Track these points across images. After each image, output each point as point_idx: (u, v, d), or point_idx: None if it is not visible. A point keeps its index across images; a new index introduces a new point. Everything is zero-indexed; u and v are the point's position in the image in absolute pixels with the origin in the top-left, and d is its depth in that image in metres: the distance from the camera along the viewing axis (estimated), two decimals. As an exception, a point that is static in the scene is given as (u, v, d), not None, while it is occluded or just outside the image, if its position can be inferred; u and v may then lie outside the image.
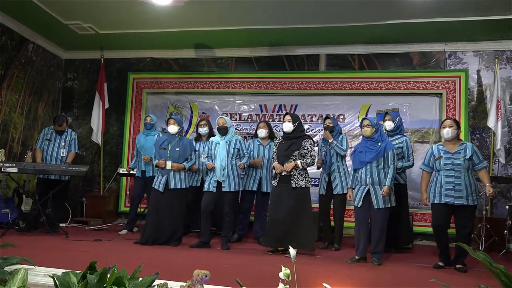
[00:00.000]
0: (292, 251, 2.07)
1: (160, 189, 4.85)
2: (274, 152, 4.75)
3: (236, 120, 6.89)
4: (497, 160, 5.90)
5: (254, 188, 5.36)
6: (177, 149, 4.92)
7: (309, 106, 6.70)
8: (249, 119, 6.84)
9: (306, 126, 6.49)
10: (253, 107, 6.93)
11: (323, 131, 5.34)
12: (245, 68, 7.11)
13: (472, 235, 5.41)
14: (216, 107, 7.06)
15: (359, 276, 3.68)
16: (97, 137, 7.01)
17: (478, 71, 6.27)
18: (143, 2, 5.38)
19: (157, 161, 4.93)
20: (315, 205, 5.31)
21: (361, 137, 4.68)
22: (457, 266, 4.07)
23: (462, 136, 5.90)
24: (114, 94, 7.34)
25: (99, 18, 6.15)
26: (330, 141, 5.10)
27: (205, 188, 4.88)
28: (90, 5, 5.67)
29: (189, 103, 7.17)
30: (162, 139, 5.09)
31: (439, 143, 4.42)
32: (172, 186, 4.86)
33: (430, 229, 4.36)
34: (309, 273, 3.51)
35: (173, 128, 4.98)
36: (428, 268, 4.11)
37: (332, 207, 5.21)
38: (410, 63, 6.52)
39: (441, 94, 6.22)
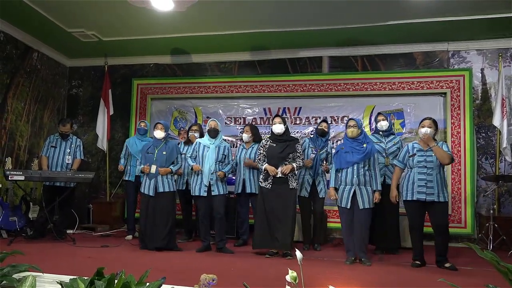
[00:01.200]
0: (299, 254, 2.06)
1: (151, 193, 4.88)
2: (261, 153, 4.73)
3: (240, 123, 6.91)
4: (503, 158, 5.86)
5: (239, 191, 5.41)
6: (164, 153, 4.95)
7: (313, 108, 6.70)
8: (253, 123, 6.85)
9: (310, 129, 6.52)
10: (257, 111, 6.94)
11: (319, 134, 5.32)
12: (248, 71, 7.13)
13: (480, 235, 5.42)
14: (220, 111, 7.08)
15: (364, 277, 3.67)
16: (103, 143, 7.05)
17: (482, 69, 6.24)
18: (146, 9, 5.42)
19: (142, 166, 4.97)
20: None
21: (343, 138, 4.71)
22: (447, 265, 4.08)
23: (467, 135, 5.94)
24: (118, 101, 7.37)
25: (102, 26, 6.20)
26: (326, 170, 5.22)
27: (196, 193, 4.87)
28: (93, 12, 5.71)
29: (194, 108, 7.19)
30: (149, 144, 5.13)
31: (414, 141, 4.44)
32: (160, 189, 4.88)
33: (430, 229, 4.34)
34: (315, 275, 3.51)
35: (159, 133, 5.01)
36: (433, 268, 4.09)
37: (312, 209, 5.26)
38: (413, 63, 6.51)
39: (445, 93, 6.20)
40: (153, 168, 4.90)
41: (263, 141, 4.85)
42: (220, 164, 4.90)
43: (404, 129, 6.31)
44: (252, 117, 6.92)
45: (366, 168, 4.32)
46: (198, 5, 5.32)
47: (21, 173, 5.14)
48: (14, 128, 6.44)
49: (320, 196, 5.17)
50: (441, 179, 4.14)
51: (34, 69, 6.90)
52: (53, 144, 5.70)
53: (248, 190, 5.34)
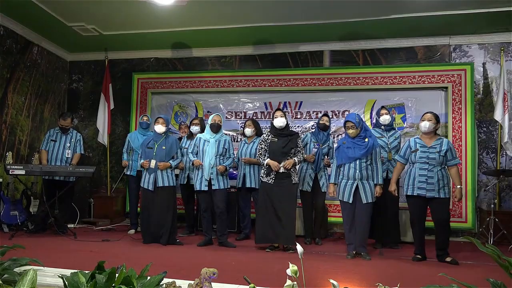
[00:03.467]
0: (300, 248, 2.06)
1: (150, 188, 4.89)
2: (262, 148, 4.71)
3: (241, 118, 6.90)
4: (504, 153, 5.85)
5: (239, 185, 5.42)
6: (164, 148, 4.95)
7: (314, 103, 6.68)
8: (254, 117, 6.83)
9: (311, 123, 6.51)
10: (258, 105, 6.92)
11: (321, 127, 5.31)
12: (249, 66, 7.11)
13: (480, 229, 5.43)
14: (221, 105, 7.07)
15: (366, 272, 3.67)
16: (103, 138, 7.04)
17: (484, 64, 6.22)
18: (146, 3, 5.39)
19: (142, 161, 4.97)
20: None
21: (344, 133, 4.69)
22: (447, 259, 4.09)
23: (468, 130, 5.91)
24: (119, 95, 7.36)
25: (102, 20, 6.17)
26: (328, 164, 5.22)
27: (197, 187, 4.88)
28: (93, 6, 5.69)
29: (194, 102, 7.18)
30: (149, 138, 5.12)
31: (416, 136, 4.42)
32: (160, 184, 4.89)
33: (431, 224, 4.35)
34: (316, 270, 3.52)
35: (160, 128, 5.01)
36: (434, 263, 4.10)
37: (314, 203, 5.27)
38: (415, 58, 6.49)
39: (446, 88, 6.17)
40: (153, 163, 4.90)
41: (264, 135, 4.83)
42: (222, 157, 4.89)
43: (405, 123, 6.30)
44: (252, 112, 6.91)
45: (368, 162, 4.32)
46: (198, -1, 5.31)
47: (22, 167, 5.14)
48: (14, 123, 6.44)
49: (322, 191, 5.17)
50: (442, 176, 4.12)
51: (34, 63, 6.88)
52: (53, 138, 5.70)
53: (248, 185, 5.34)
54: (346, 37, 6.51)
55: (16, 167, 5.14)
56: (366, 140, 4.31)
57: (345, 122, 4.43)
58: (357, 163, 4.29)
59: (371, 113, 6.36)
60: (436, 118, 4.26)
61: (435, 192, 4.09)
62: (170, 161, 4.97)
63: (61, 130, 5.71)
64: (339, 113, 6.55)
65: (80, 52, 7.63)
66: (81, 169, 5.36)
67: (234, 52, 7.17)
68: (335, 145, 5.23)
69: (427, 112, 4.33)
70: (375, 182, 4.33)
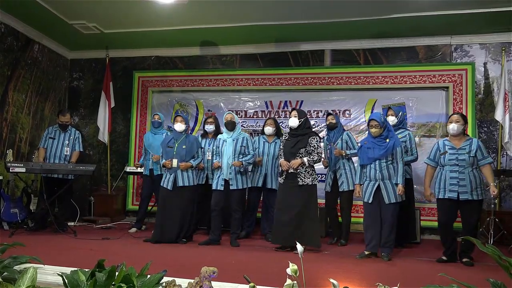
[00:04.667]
0: (300, 248, 2.06)
1: (169, 187, 4.85)
2: (280, 149, 4.73)
3: (242, 117, 6.89)
4: (505, 153, 5.85)
5: (260, 184, 5.37)
6: (184, 147, 4.91)
7: (315, 102, 6.68)
8: (254, 116, 6.84)
9: (312, 122, 6.49)
10: (258, 104, 6.92)
11: (326, 135, 5.30)
12: (250, 65, 7.10)
13: (480, 229, 5.42)
14: (222, 104, 7.06)
15: (367, 272, 3.67)
16: (104, 136, 7.04)
17: (485, 63, 6.21)
18: (147, 1, 5.39)
19: (163, 161, 4.93)
20: (321, 201, 5.31)
21: (367, 132, 4.64)
22: (464, 260, 4.06)
23: (469, 130, 5.89)
24: (119, 93, 7.37)
25: (103, 18, 6.17)
26: (344, 154, 5.07)
27: (214, 187, 4.88)
28: (95, 4, 5.68)
29: (195, 101, 7.18)
30: (169, 137, 5.08)
31: (445, 138, 4.37)
32: (180, 184, 4.86)
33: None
34: (317, 270, 3.51)
35: (179, 126, 4.97)
36: (436, 263, 4.10)
37: (339, 203, 5.21)
38: (416, 57, 6.48)
39: (447, 87, 6.17)
40: (174, 162, 4.85)
41: (284, 135, 4.84)
42: (241, 156, 4.87)
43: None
44: (253, 110, 6.91)
45: (389, 162, 4.24)
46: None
47: (22, 165, 5.14)
48: (15, 120, 6.44)
49: (340, 190, 5.08)
50: (474, 177, 4.05)
51: (35, 61, 6.88)
52: (52, 135, 5.67)
53: (268, 186, 5.32)
54: (347, 36, 6.50)
55: (16, 165, 5.14)
56: (387, 140, 4.27)
57: (370, 120, 4.39)
58: (377, 163, 4.25)
59: (371, 112, 6.34)
60: (464, 118, 4.21)
61: (468, 194, 4.01)
62: (191, 161, 4.93)
63: (60, 128, 5.68)
64: (340, 112, 6.55)
65: (81, 50, 7.63)
66: (81, 167, 5.35)
67: (235, 51, 7.16)
68: (348, 138, 5.18)
69: (453, 114, 4.30)
70: (395, 182, 4.23)
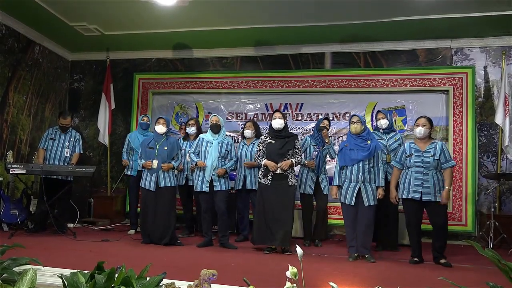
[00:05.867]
0: (299, 250, 2.06)
1: (152, 188, 4.87)
2: (260, 149, 4.73)
3: (242, 119, 6.89)
4: (505, 156, 5.85)
5: (240, 187, 5.41)
6: (165, 148, 4.95)
7: (315, 105, 6.68)
8: (255, 118, 6.83)
9: (311, 125, 6.50)
10: (258, 106, 6.92)
11: (321, 131, 5.28)
12: (251, 67, 7.11)
13: (480, 233, 5.42)
14: (222, 106, 7.07)
15: (365, 274, 3.67)
16: (104, 138, 7.05)
17: (485, 67, 6.22)
18: (148, 3, 5.41)
19: (143, 162, 4.96)
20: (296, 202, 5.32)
21: (345, 135, 4.71)
22: (442, 261, 4.11)
23: (468, 133, 5.92)
24: (120, 95, 7.37)
25: (104, 19, 6.18)
26: (327, 141, 5.17)
27: (198, 189, 4.89)
28: (95, 6, 5.69)
29: (195, 103, 7.18)
30: (149, 138, 5.12)
31: (411, 141, 4.44)
32: (162, 184, 4.89)
33: (429, 227, 4.35)
34: (316, 272, 3.51)
35: (161, 129, 5.01)
36: (432, 266, 4.10)
37: (316, 205, 5.30)
38: (416, 60, 6.49)
39: (447, 91, 6.17)
40: (155, 163, 4.89)
41: (262, 137, 4.85)
42: (223, 160, 4.90)
43: (406, 126, 6.29)
44: (253, 113, 6.91)
45: (370, 165, 4.32)
46: (199, 0, 5.30)
47: (22, 166, 5.14)
48: (15, 122, 6.44)
49: (324, 193, 5.18)
50: (438, 179, 4.15)
51: (36, 62, 6.89)
52: (52, 136, 5.68)
53: (248, 186, 5.34)
54: (348, 39, 6.51)
55: (16, 166, 5.14)
56: (369, 142, 4.32)
57: (351, 116, 4.50)
58: (360, 165, 4.29)
59: (372, 116, 6.34)
60: (430, 122, 4.29)
61: (431, 195, 4.10)
62: (172, 162, 4.97)
63: (60, 129, 5.70)
64: (340, 115, 6.55)
65: (82, 52, 7.64)
66: (81, 169, 5.36)
67: (236, 53, 7.16)
68: (336, 147, 5.23)
69: (420, 117, 4.38)
70: (376, 184, 4.33)
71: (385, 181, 4.68)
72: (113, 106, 7.10)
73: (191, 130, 5.65)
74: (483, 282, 2.49)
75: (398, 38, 6.38)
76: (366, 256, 4.26)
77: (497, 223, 5.11)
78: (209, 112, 7.01)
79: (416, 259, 4.21)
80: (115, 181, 7.27)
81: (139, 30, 6.50)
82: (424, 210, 4.28)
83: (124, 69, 7.63)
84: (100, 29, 6.50)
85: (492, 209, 5.24)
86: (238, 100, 7.03)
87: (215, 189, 4.81)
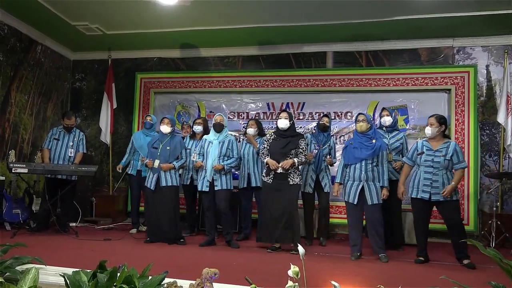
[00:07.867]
0: (301, 249, 2.06)
1: (151, 187, 4.91)
2: (264, 147, 4.74)
3: (243, 118, 6.90)
4: (507, 155, 5.84)
5: (245, 185, 5.39)
6: (168, 148, 4.97)
7: (317, 104, 6.68)
8: (256, 117, 6.83)
9: (313, 124, 6.50)
10: (260, 105, 6.92)
11: (321, 127, 5.31)
12: (252, 66, 7.11)
13: (482, 232, 5.41)
14: (224, 105, 7.07)
15: (368, 273, 3.67)
16: (106, 137, 7.06)
17: (487, 66, 6.20)
18: (150, 2, 5.41)
19: (146, 161, 4.99)
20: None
21: (347, 134, 4.70)
22: (464, 262, 4.04)
23: (470, 132, 5.90)
24: (122, 94, 7.38)
25: (106, 19, 6.19)
26: (331, 166, 5.28)
27: (199, 188, 4.93)
28: (97, 6, 5.70)
29: (197, 102, 7.18)
30: (155, 138, 5.14)
31: (424, 139, 4.41)
32: (163, 183, 4.91)
33: (437, 226, 4.33)
34: (318, 271, 3.51)
35: (165, 128, 5.02)
36: (436, 265, 4.09)
37: (318, 203, 5.31)
38: (418, 59, 6.48)
39: (449, 90, 6.16)
40: (156, 163, 4.90)
41: (268, 135, 4.88)
42: (226, 159, 4.89)
43: (408, 125, 6.29)
44: (255, 112, 6.91)
45: (374, 164, 4.29)
46: (202, -1, 5.31)
47: (25, 165, 5.15)
48: (17, 121, 6.46)
49: (325, 191, 5.18)
50: (448, 179, 4.08)
51: (38, 62, 6.90)
52: (56, 136, 5.69)
53: (253, 184, 5.33)
54: (349, 38, 6.50)
55: (18, 165, 5.15)
56: (374, 141, 4.30)
57: (358, 115, 4.48)
58: (363, 164, 4.27)
59: (373, 115, 6.34)
60: (439, 120, 4.22)
61: (440, 195, 4.06)
62: (174, 162, 4.97)
63: (64, 129, 5.71)
64: (341, 114, 6.55)
65: (84, 51, 7.65)
66: (83, 168, 5.37)
67: (237, 53, 7.17)
68: (337, 145, 5.23)
69: (430, 116, 4.32)
70: (381, 184, 4.30)
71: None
72: (115, 106, 7.11)
73: (198, 129, 5.64)
74: (486, 281, 2.48)
75: (400, 37, 6.37)
76: (380, 255, 4.22)
77: (499, 222, 5.10)
78: (211, 111, 7.02)
79: (421, 258, 4.19)
80: (117, 180, 7.28)
81: (141, 30, 6.50)
82: (436, 209, 4.25)
83: (126, 69, 7.63)
84: (102, 29, 6.51)
85: (494, 208, 5.22)
86: (239, 99, 7.03)
87: (216, 188, 4.81)
